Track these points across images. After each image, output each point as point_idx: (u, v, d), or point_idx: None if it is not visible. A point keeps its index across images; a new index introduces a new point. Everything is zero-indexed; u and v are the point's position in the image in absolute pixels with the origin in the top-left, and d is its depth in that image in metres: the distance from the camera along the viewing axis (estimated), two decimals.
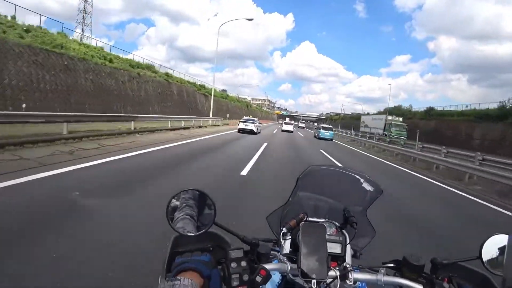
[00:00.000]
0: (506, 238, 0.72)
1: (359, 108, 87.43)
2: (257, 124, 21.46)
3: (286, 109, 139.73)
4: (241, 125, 20.18)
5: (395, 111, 43.22)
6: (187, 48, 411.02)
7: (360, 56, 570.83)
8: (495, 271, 0.71)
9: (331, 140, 24.68)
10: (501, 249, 0.73)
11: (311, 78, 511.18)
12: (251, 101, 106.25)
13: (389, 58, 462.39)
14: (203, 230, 0.71)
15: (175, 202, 0.76)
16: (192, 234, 0.70)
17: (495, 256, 0.73)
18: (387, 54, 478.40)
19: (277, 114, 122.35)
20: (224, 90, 62.28)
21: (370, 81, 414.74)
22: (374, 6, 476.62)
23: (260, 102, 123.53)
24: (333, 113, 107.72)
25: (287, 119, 53.05)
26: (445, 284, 0.72)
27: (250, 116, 28.92)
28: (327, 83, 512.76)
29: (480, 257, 0.73)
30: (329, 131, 25.38)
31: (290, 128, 29.57)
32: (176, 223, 0.72)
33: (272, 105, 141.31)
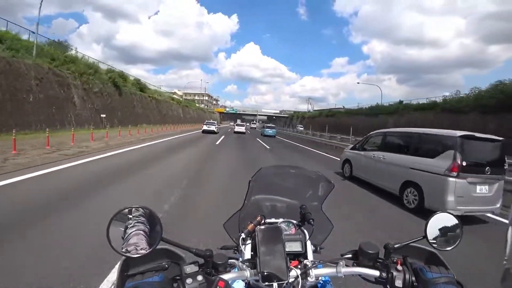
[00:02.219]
0: (444, 216, 0.82)
1: (303, 108, 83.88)
2: (217, 126, 28.59)
3: (232, 107, 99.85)
4: (205, 127, 27.14)
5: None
6: (126, 47, 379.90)
7: (303, 58, 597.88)
8: (439, 247, 0.79)
9: (274, 136, 28.96)
10: (442, 227, 0.81)
11: (257, 79, 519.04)
12: (183, 97, 63.90)
13: (329, 60, 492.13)
14: (151, 249, 0.66)
15: (121, 221, 0.69)
16: (136, 256, 0.64)
17: (438, 233, 0.81)
18: (327, 56, 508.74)
19: (219, 112, 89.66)
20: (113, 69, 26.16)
21: (312, 82, 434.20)
22: (315, 10, 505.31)
23: (197, 97, 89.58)
24: (286, 110, 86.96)
25: (239, 121, 53.68)
26: (399, 267, 0.75)
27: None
28: (272, 83, 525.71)
29: (425, 236, 0.80)
30: (272, 129, 30.63)
31: (242, 129, 32.11)
32: (128, 239, 0.67)
33: (214, 102, 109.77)
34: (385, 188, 6.14)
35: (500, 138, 4.94)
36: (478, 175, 4.59)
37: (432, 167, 4.91)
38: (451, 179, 4.54)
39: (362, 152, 7.23)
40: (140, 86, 32.19)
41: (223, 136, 22.62)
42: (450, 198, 4.51)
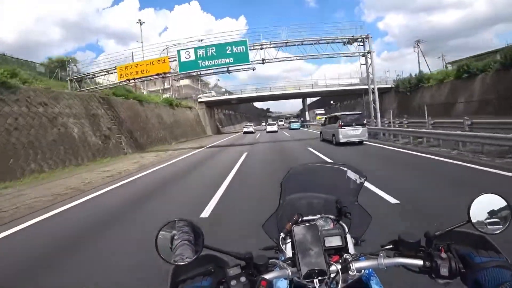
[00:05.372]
0: (490, 197, 0.76)
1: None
2: (254, 127, 36.93)
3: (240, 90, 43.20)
4: (245, 129, 34.84)
5: None
6: None
7: (317, 47, 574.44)
8: (486, 231, 0.73)
9: (299, 129, 36.44)
10: (489, 209, 0.75)
11: (275, 76, 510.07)
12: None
13: (344, 44, 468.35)
14: (195, 257, 0.73)
15: (167, 233, 0.77)
16: (182, 263, 0.72)
17: (483, 216, 0.75)
18: (342, 41, 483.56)
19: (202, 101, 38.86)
20: None
21: (330, 69, 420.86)
22: None
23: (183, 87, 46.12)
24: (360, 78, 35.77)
25: (270, 120, 50.70)
26: (443, 254, 0.73)
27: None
28: (291, 78, 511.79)
29: (469, 220, 0.74)
30: (296, 123, 38.71)
31: (274, 128, 33.91)
32: (175, 250, 0.75)
33: (206, 92, 47.77)
34: (328, 139, 14.89)
35: (360, 112, 14.11)
36: (349, 126, 13.21)
37: (335, 127, 13.67)
38: (339, 129, 13.24)
39: (324, 127, 16.15)
40: None
41: None
42: (340, 136, 13.18)
